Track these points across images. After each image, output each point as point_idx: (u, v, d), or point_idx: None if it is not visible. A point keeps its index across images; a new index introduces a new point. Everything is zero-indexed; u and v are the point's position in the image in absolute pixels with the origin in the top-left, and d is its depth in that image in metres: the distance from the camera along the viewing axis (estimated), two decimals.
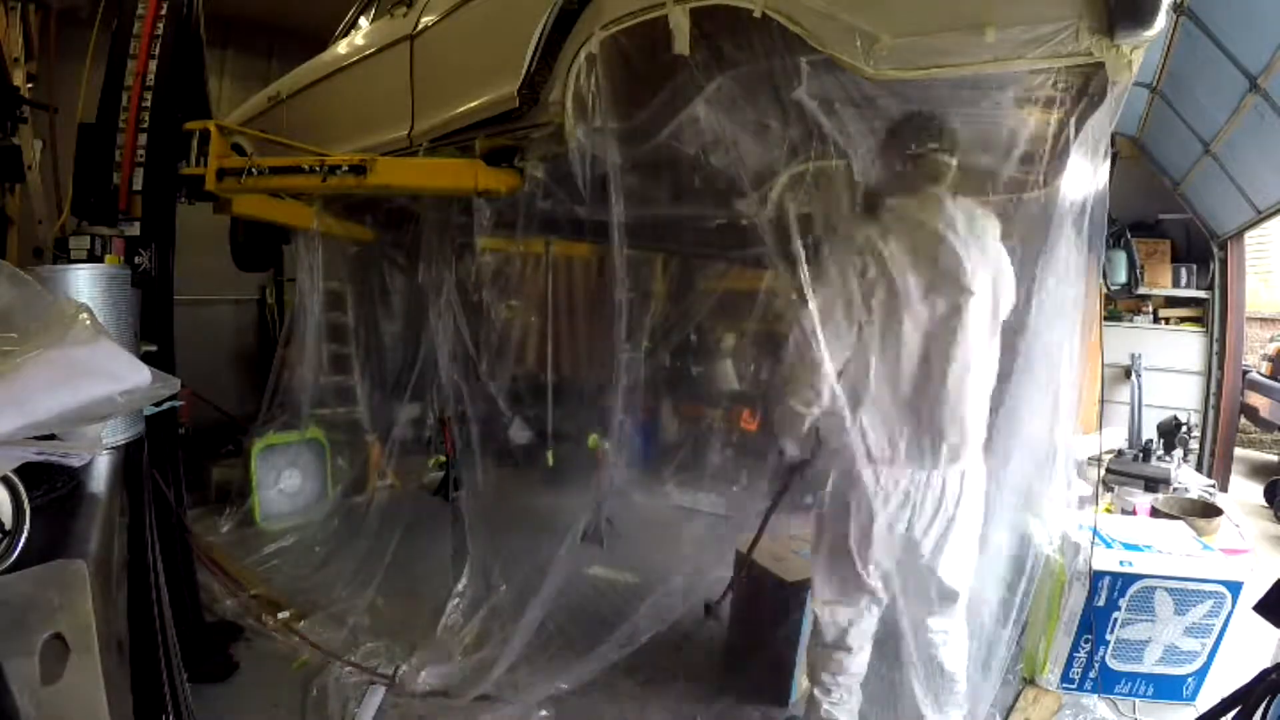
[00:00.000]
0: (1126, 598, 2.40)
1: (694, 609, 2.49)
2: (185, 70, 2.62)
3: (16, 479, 1.02)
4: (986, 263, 1.85)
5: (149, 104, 2.42)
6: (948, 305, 1.81)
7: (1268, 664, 1.68)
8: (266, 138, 3.16)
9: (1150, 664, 2.45)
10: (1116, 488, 4.02)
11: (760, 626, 2.56)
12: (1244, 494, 4.96)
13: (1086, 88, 1.75)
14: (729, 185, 2.59)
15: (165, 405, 1.92)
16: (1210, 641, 2.41)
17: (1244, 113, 3.43)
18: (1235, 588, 2.36)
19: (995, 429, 2.01)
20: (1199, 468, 4.91)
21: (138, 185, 2.39)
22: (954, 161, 1.87)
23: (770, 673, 2.47)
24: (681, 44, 1.90)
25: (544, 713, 2.34)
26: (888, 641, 2.09)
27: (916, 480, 1.86)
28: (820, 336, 1.81)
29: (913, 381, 1.85)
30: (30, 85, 2.99)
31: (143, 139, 2.40)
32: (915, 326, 1.82)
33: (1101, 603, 2.41)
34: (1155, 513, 3.49)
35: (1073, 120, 1.76)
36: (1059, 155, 1.84)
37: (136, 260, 2.33)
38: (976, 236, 1.85)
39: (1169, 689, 2.47)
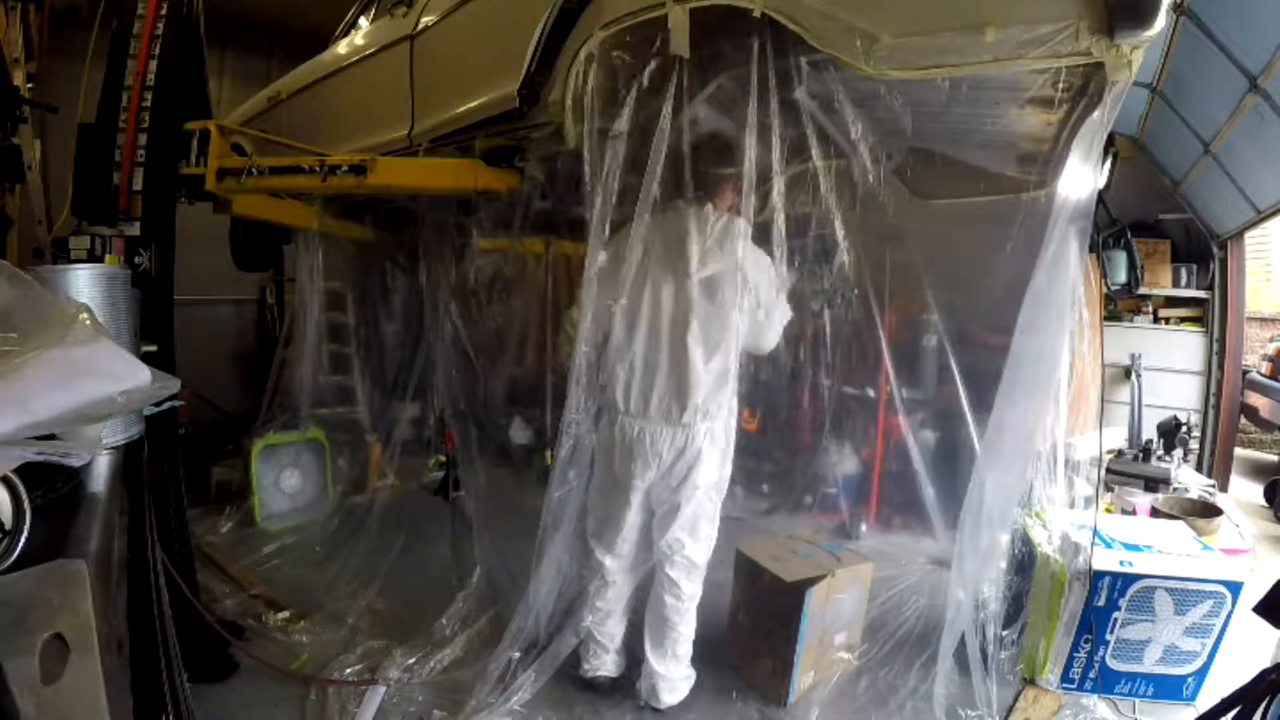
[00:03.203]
0: (1126, 598, 2.39)
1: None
2: (185, 70, 2.62)
3: (16, 479, 1.02)
4: (722, 257, 2.16)
5: (149, 104, 2.41)
6: (678, 288, 2.17)
7: (1268, 664, 1.68)
8: (266, 138, 3.16)
9: (1150, 664, 2.45)
10: (1116, 488, 4.02)
11: (760, 625, 2.56)
12: (1244, 494, 4.96)
13: (1086, 87, 1.75)
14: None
15: (165, 405, 1.92)
16: (1210, 641, 2.41)
17: (1244, 113, 3.42)
18: (1235, 588, 2.36)
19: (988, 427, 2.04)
20: (1199, 468, 4.90)
21: (138, 185, 2.38)
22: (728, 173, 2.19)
23: (770, 671, 2.47)
24: (680, 44, 1.90)
25: (543, 713, 2.34)
26: None
27: (664, 434, 2.20)
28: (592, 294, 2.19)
29: (665, 350, 2.19)
30: (30, 85, 2.98)
31: (143, 139, 2.39)
32: (659, 304, 2.18)
33: (1101, 603, 2.41)
34: (1155, 513, 3.49)
35: (1071, 120, 1.77)
36: (1057, 156, 1.84)
37: (136, 260, 2.32)
38: (718, 237, 2.18)
39: (1169, 689, 2.47)
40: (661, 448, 2.21)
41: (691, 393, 2.17)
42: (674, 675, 2.37)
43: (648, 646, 2.36)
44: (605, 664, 2.45)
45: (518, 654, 2.41)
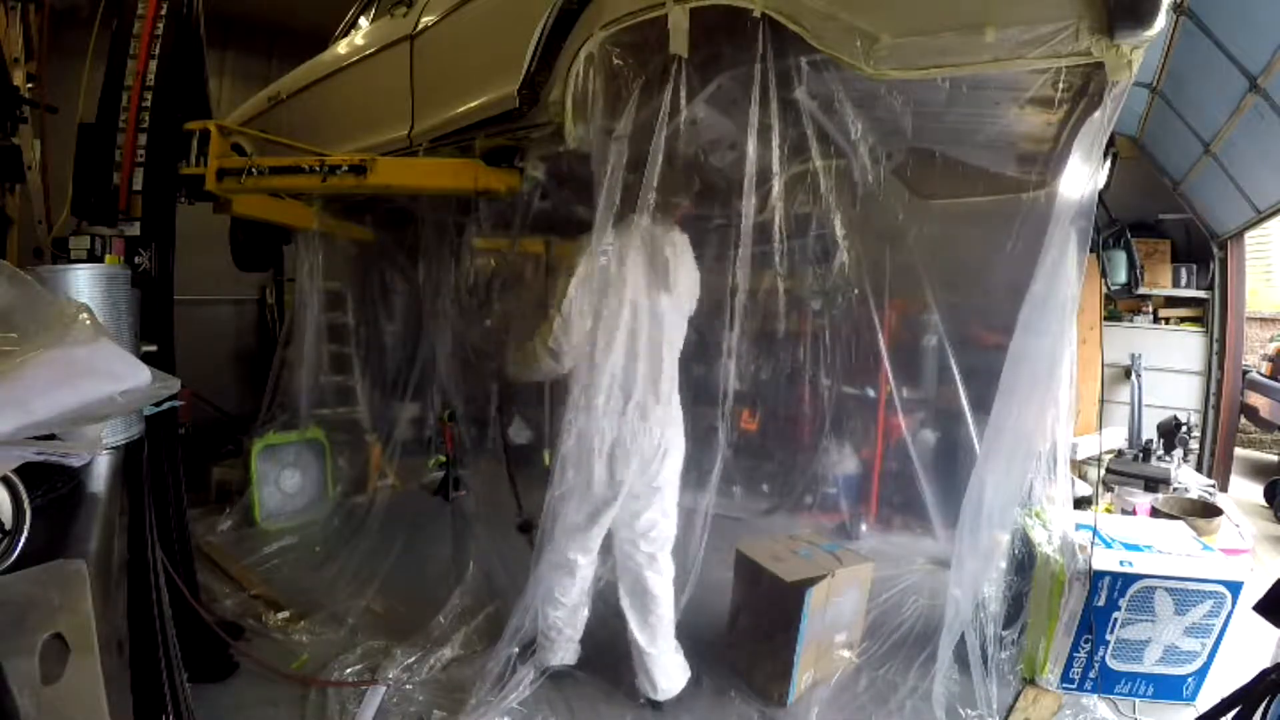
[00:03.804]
0: (1126, 598, 2.40)
1: (691, 609, 2.49)
2: (185, 70, 2.61)
3: (16, 479, 1.02)
4: (687, 275, 2.38)
5: (149, 104, 2.41)
6: (654, 303, 2.32)
7: (1268, 664, 1.68)
8: (266, 138, 3.15)
9: (1150, 664, 2.45)
10: (1116, 488, 4.02)
11: (760, 625, 2.56)
12: (1244, 494, 4.95)
13: (1086, 88, 1.75)
14: (728, 185, 2.60)
15: (165, 405, 1.92)
16: (1210, 641, 2.41)
17: (1244, 113, 3.42)
18: (1235, 588, 2.36)
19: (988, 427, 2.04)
20: (1199, 468, 4.90)
21: (138, 185, 2.39)
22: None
23: (770, 671, 2.47)
24: (679, 44, 1.90)
25: (542, 712, 2.34)
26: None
27: (643, 431, 2.32)
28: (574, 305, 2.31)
29: (644, 357, 2.31)
30: (30, 85, 2.99)
31: (143, 139, 2.39)
32: (635, 313, 2.29)
33: (1101, 603, 2.41)
34: (1155, 513, 3.49)
35: (1071, 120, 1.77)
36: (1058, 156, 1.84)
37: (136, 260, 2.32)
38: (680, 252, 2.36)
39: (1169, 689, 2.47)
40: (642, 444, 2.33)
41: (662, 392, 2.34)
42: (664, 656, 2.39)
43: (634, 627, 2.40)
44: (569, 654, 2.52)
45: (516, 650, 2.41)
